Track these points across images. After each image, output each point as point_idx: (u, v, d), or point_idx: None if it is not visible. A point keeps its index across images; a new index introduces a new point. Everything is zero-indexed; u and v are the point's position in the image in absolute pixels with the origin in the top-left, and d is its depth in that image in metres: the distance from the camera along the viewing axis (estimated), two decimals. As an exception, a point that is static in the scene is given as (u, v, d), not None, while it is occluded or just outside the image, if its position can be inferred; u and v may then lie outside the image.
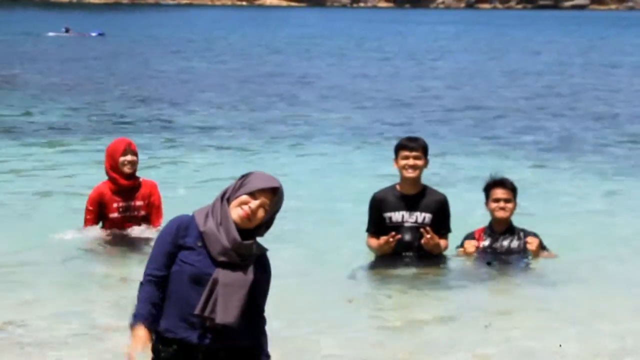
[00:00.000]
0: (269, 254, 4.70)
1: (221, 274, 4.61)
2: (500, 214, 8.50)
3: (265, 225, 4.74)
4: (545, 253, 8.74)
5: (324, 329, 7.38)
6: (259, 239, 4.74)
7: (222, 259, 4.62)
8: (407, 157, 8.36)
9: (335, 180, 13.38)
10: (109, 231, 8.97)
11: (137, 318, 4.59)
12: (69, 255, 8.78)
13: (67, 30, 53.34)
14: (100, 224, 8.96)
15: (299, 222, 10.48)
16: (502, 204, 8.48)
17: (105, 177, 9.05)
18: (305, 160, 15.10)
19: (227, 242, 4.63)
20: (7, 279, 8.19)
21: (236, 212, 4.64)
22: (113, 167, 8.86)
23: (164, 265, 4.64)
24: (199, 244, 4.65)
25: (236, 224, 4.64)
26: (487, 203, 8.56)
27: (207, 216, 4.69)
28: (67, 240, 8.97)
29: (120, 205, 8.89)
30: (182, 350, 4.65)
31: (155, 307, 4.63)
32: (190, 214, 4.71)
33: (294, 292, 8.06)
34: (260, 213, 4.67)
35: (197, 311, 4.58)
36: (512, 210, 8.53)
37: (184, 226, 4.67)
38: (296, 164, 14.67)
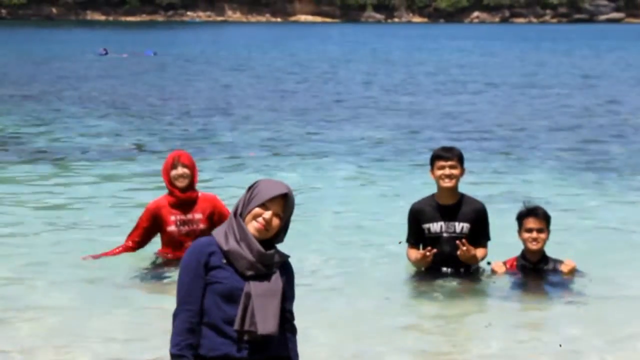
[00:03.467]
0: (295, 262, 4.84)
1: (252, 287, 4.66)
2: (533, 245, 8.50)
3: (283, 231, 4.80)
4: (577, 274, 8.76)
5: (362, 342, 7.49)
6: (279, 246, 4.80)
7: (250, 273, 4.66)
8: (442, 167, 8.47)
9: (371, 194, 13.48)
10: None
11: (181, 350, 4.62)
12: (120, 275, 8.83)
13: (105, 52, 51.89)
14: (159, 237, 8.94)
15: (335, 236, 10.73)
16: (534, 234, 8.46)
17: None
18: (338, 175, 15.13)
19: (252, 257, 4.67)
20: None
21: (252, 225, 4.69)
22: (169, 181, 8.80)
23: (198, 295, 4.65)
24: (224, 261, 4.69)
25: (255, 237, 4.71)
26: (519, 232, 8.55)
27: (226, 235, 4.72)
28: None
29: (178, 218, 8.79)
30: None
31: (195, 336, 4.64)
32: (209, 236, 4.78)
33: (333, 307, 8.24)
34: (275, 222, 4.72)
35: (236, 327, 4.62)
36: (544, 241, 8.50)
37: (206, 249, 4.71)
38: (329, 178, 14.74)
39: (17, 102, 25.93)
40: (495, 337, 7.58)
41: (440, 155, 8.55)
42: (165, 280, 8.77)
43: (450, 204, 8.62)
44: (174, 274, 8.57)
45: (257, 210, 4.68)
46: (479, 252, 8.65)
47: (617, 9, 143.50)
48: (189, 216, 8.80)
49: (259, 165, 15.55)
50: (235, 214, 4.74)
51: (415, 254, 8.70)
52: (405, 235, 8.86)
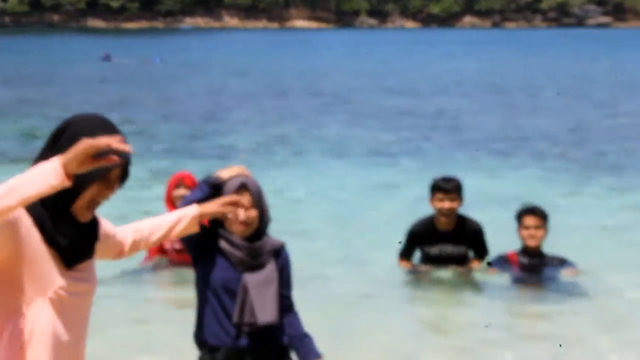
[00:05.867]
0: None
1: (248, 279, 4.69)
2: (531, 242, 8.70)
3: (264, 217, 4.80)
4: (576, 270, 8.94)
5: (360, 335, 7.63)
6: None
7: (243, 267, 4.71)
8: (442, 200, 8.68)
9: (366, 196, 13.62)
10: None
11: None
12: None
13: (107, 57, 51.18)
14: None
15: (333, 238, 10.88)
16: (532, 231, 8.66)
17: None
18: (332, 177, 15.31)
19: (241, 254, 4.71)
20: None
21: (234, 227, 4.74)
22: (169, 199, 8.84)
23: None
24: (220, 257, 4.73)
25: (241, 234, 4.74)
26: (518, 230, 8.77)
27: (219, 237, 4.78)
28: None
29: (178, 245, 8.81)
30: (229, 356, 4.70)
31: None
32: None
33: (339, 309, 8.33)
34: (252, 212, 4.73)
35: (235, 319, 4.67)
36: (542, 238, 8.71)
37: (204, 240, 4.77)
38: (323, 181, 14.92)
39: (26, 106, 25.95)
40: (495, 337, 7.66)
41: (441, 187, 8.73)
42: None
43: (449, 230, 8.84)
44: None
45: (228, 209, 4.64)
46: (475, 264, 8.98)
47: (605, 14, 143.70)
48: None
49: (253, 168, 15.66)
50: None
51: (408, 267, 9.02)
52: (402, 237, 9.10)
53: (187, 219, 4.00)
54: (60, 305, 3.38)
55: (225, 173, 4.70)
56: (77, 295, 3.44)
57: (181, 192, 8.69)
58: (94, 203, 3.37)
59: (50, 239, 3.33)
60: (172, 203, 8.78)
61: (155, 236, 3.95)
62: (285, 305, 4.85)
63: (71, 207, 3.35)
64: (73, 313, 3.45)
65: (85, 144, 2.98)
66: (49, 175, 2.99)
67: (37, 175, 3.00)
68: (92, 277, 3.55)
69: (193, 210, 4.02)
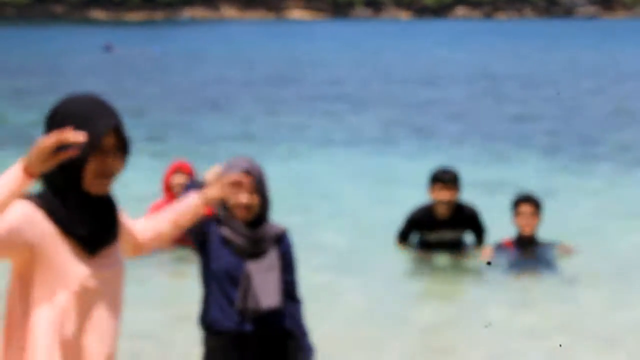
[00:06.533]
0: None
1: (250, 266, 4.67)
2: (526, 229, 8.89)
3: (266, 203, 4.75)
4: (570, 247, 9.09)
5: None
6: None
7: (244, 253, 4.68)
8: (441, 190, 8.90)
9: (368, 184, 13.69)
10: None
11: None
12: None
13: (109, 47, 49.88)
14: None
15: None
16: (527, 219, 8.86)
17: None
18: (328, 164, 15.40)
19: (242, 240, 4.69)
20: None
21: (235, 211, 4.70)
22: (167, 186, 8.90)
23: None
24: (222, 245, 4.70)
25: (243, 219, 4.71)
26: (514, 217, 8.97)
27: (221, 223, 4.75)
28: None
29: None
30: (233, 341, 4.70)
31: None
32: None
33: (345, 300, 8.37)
34: (254, 200, 4.69)
35: (239, 305, 4.66)
36: (536, 225, 8.87)
37: (207, 227, 4.74)
38: (319, 168, 15.02)
39: (28, 96, 26.00)
40: (493, 336, 7.64)
41: (440, 178, 8.95)
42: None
43: (447, 217, 9.07)
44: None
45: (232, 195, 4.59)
46: (474, 250, 9.19)
47: (594, 4, 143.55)
48: None
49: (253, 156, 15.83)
50: (219, 204, 4.71)
51: (405, 249, 9.24)
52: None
53: (191, 208, 3.92)
54: (87, 296, 3.31)
55: (211, 175, 4.53)
56: (104, 282, 3.37)
57: (179, 179, 8.79)
58: (103, 174, 3.30)
59: (66, 229, 3.26)
60: (170, 190, 8.87)
61: (165, 231, 3.86)
62: (288, 291, 4.84)
63: (80, 185, 3.29)
64: (102, 300, 3.37)
65: (40, 144, 2.99)
66: (13, 182, 3.03)
67: (4, 181, 3.04)
68: (118, 261, 3.47)
69: (195, 198, 3.94)
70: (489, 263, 9.07)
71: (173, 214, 3.89)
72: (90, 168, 3.27)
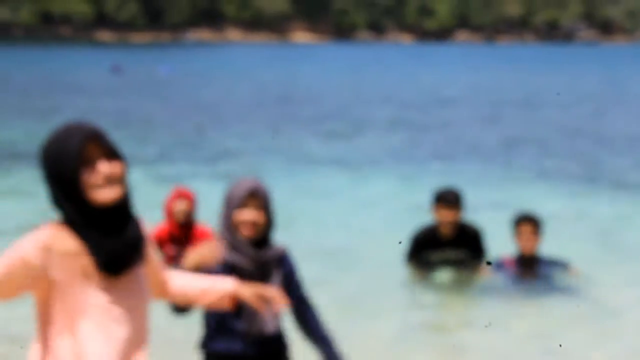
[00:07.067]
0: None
1: None
2: (526, 248, 8.94)
3: (271, 223, 4.71)
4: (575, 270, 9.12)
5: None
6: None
7: (250, 279, 4.61)
8: (444, 210, 8.93)
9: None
10: None
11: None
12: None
13: (117, 69, 49.34)
14: None
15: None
16: (528, 237, 8.88)
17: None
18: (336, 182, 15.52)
19: (248, 263, 4.63)
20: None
21: (242, 230, 4.63)
22: (169, 212, 8.74)
23: None
24: (227, 271, 4.62)
25: (249, 238, 4.65)
26: (515, 235, 9.00)
27: (222, 246, 4.69)
28: None
29: (173, 253, 8.66)
30: None
31: None
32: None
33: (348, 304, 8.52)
34: (260, 217, 4.64)
35: (245, 330, 4.64)
36: (537, 243, 8.91)
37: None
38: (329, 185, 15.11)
39: (33, 117, 25.93)
40: (494, 337, 7.78)
41: (443, 198, 8.97)
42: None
43: (450, 237, 9.13)
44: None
45: (238, 213, 4.61)
46: (475, 268, 9.25)
47: (593, 28, 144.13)
48: (183, 252, 8.48)
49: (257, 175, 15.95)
50: (224, 227, 4.69)
51: (415, 270, 9.31)
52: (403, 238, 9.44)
53: (221, 293, 3.89)
54: (108, 324, 3.24)
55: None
56: (127, 309, 3.30)
57: (180, 206, 8.67)
58: (100, 182, 3.23)
59: (85, 253, 3.21)
60: (172, 216, 8.73)
61: (191, 295, 3.82)
62: (300, 304, 4.85)
63: (86, 202, 3.23)
64: (125, 328, 3.28)
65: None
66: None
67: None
68: (142, 288, 3.37)
69: (229, 286, 3.92)
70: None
71: (204, 287, 3.85)
72: (85, 181, 3.21)
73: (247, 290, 3.94)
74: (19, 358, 7.18)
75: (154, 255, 3.58)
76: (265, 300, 3.97)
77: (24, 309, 8.28)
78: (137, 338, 3.32)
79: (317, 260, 9.88)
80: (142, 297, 3.36)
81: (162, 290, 3.70)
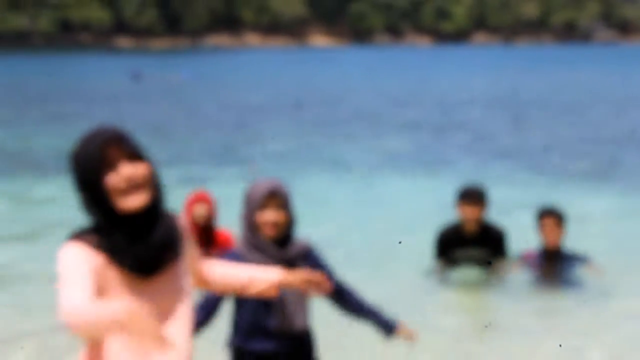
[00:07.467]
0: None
1: (283, 290, 4.55)
2: (550, 241, 8.92)
3: (291, 224, 4.71)
4: (596, 267, 9.08)
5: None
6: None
7: None
8: (468, 207, 8.94)
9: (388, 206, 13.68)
10: None
11: None
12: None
13: (137, 75, 49.30)
14: None
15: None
16: (551, 230, 8.88)
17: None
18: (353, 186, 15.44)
19: (275, 260, 4.64)
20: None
21: (264, 231, 4.63)
22: (189, 216, 8.70)
23: None
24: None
25: (272, 238, 4.66)
26: (538, 229, 9.00)
27: (248, 249, 4.69)
28: None
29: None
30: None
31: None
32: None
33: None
34: (281, 217, 4.64)
35: (274, 326, 4.66)
36: (560, 237, 8.90)
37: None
38: (341, 190, 15.06)
39: (56, 123, 26.11)
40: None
41: (467, 195, 8.97)
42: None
43: (474, 235, 9.12)
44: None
45: (259, 214, 4.62)
46: (498, 267, 9.22)
47: (611, 28, 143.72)
48: (206, 252, 8.60)
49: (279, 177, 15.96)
50: (246, 228, 4.69)
51: (443, 268, 9.32)
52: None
53: (267, 283, 3.91)
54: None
55: None
56: (163, 309, 3.27)
57: (200, 210, 8.66)
58: (124, 187, 3.19)
59: (113, 259, 3.19)
60: (192, 220, 8.71)
61: (234, 283, 3.85)
62: (339, 288, 4.91)
63: (113, 208, 3.20)
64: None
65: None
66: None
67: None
68: (178, 287, 3.33)
69: (275, 275, 3.95)
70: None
71: (250, 275, 3.87)
72: (110, 186, 3.18)
73: (294, 277, 3.95)
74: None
75: (190, 247, 3.54)
76: (314, 285, 3.97)
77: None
78: (176, 334, 3.29)
79: (342, 260, 9.79)
80: (181, 294, 3.32)
81: (199, 279, 3.71)
